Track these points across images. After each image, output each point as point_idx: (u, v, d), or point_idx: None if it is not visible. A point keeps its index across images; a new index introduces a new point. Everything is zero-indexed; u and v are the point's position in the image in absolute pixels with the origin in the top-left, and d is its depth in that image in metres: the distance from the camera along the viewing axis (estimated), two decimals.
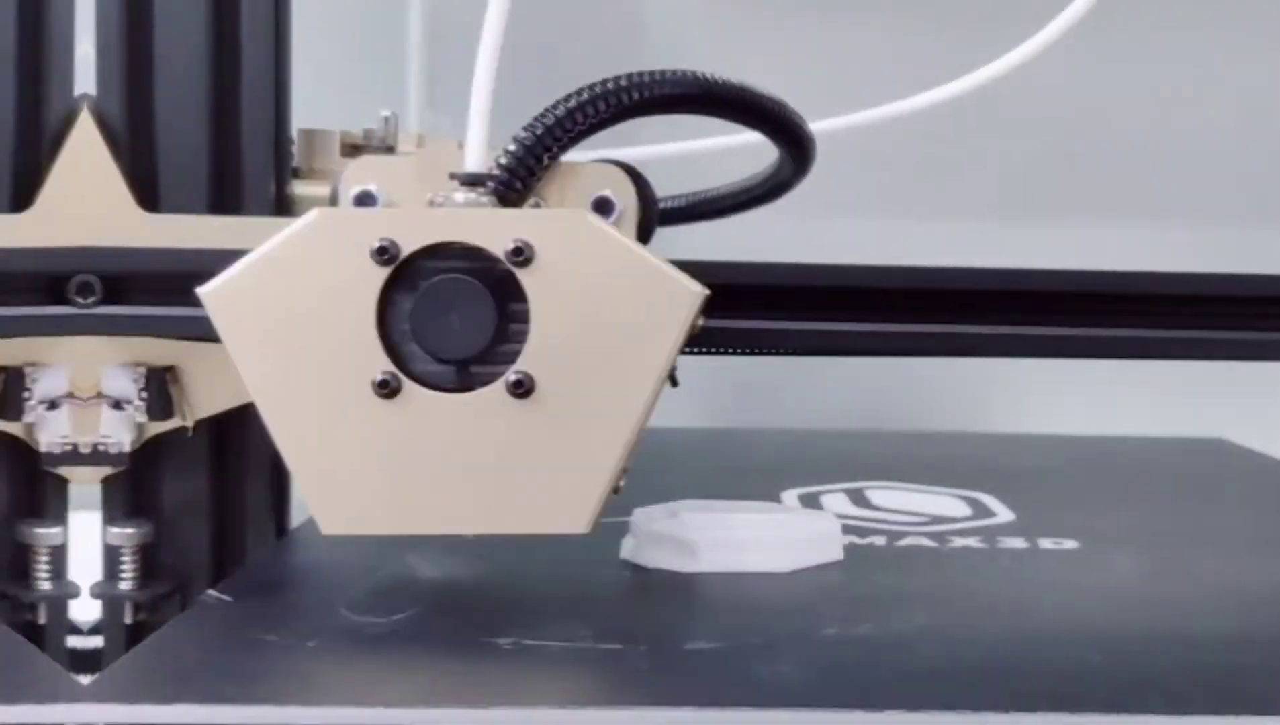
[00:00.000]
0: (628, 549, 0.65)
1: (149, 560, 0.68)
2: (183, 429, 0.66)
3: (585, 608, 0.58)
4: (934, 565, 0.66)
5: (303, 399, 0.51)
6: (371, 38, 1.20)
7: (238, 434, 0.70)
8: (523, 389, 0.51)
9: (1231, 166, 1.25)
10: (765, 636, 0.52)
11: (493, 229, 0.51)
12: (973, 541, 0.70)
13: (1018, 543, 0.70)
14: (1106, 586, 0.63)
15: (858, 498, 0.82)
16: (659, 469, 0.89)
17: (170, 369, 0.65)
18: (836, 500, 0.81)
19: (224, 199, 0.69)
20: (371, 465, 0.52)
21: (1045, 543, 0.70)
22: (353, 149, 0.74)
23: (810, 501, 0.80)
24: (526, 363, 0.51)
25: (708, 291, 0.52)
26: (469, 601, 0.59)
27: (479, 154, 0.54)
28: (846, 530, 0.69)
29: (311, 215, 0.52)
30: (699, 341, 0.54)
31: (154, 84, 0.68)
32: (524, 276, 0.51)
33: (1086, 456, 1.03)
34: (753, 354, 0.61)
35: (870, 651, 0.51)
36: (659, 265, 0.52)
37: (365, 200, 0.57)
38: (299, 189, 0.72)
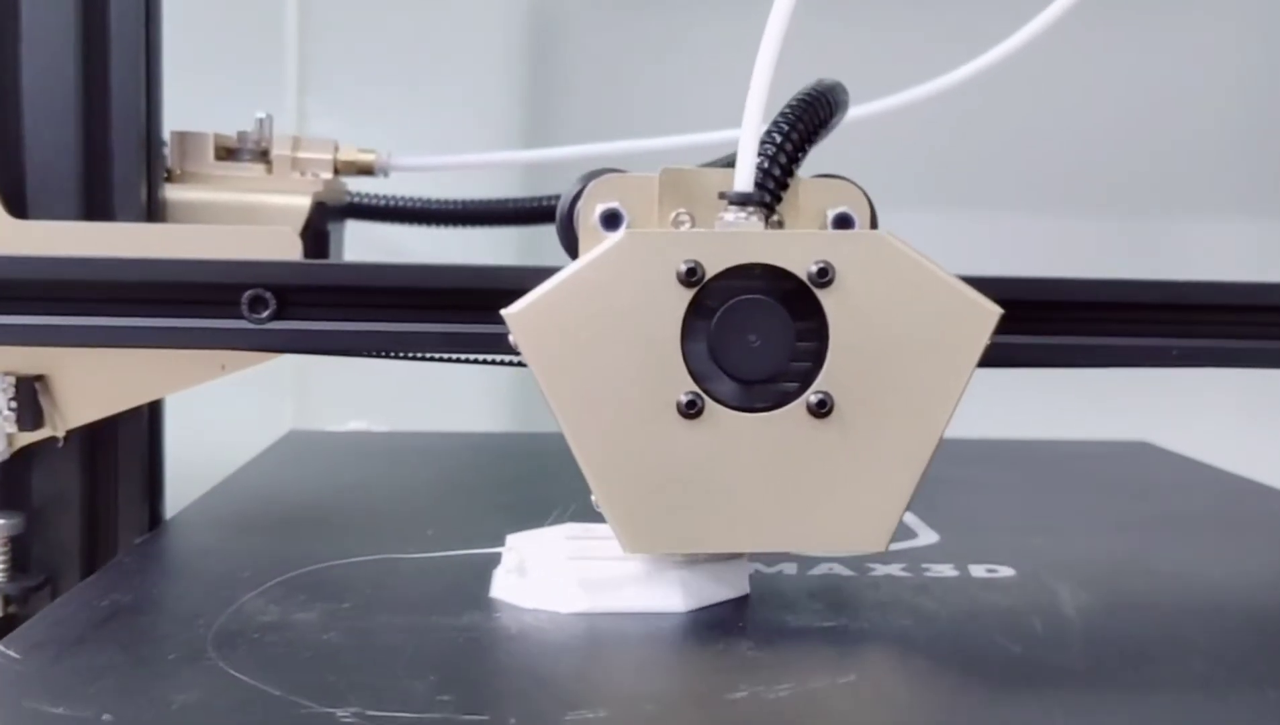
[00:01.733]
0: (499, 586, 0.57)
1: (18, 553, 0.69)
2: (53, 439, 0.66)
3: (446, 664, 0.48)
4: (854, 601, 0.58)
5: (606, 420, 0.52)
6: (246, 37, 1.17)
7: (110, 426, 0.70)
8: (824, 408, 0.52)
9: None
10: (660, 701, 0.45)
11: (796, 250, 0.52)
12: (896, 569, 0.63)
13: (947, 570, 0.63)
14: (1056, 627, 0.54)
15: None
16: (535, 480, 0.86)
17: (40, 378, 0.65)
18: None
19: (94, 204, 0.69)
20: (674, 485, 0.52)
21: (978, 570, 0.63)
22: (227, 152, 0.75)
23: None
24: (825, 382, 0.52)
25: (1003, 310, 0.52)
26: (307, 657, 0.49)
27: (749, 173, 0.53)
28: (751, 557, 0.61)
29: (618, 236, 0.52)
30: (989, 358, 0.53)
31: (20, 87, 0.68)
32: (823, 296, 0.51)
33: (1007, 462, 0.96)
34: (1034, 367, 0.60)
35: (790, 718, 0.44)
36: (958, 285, 0.52)
37: (613, 219, 0.56)
38: (172, 193, 0.73)
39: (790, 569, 0.62)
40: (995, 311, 0.52)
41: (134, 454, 0.72)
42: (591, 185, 0.56)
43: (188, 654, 0.49)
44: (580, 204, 0.56)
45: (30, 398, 0.64)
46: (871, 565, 0.64)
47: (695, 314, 0.52)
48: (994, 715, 0.45)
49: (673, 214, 0.56)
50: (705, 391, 0.52)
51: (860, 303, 0.52)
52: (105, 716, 0.42)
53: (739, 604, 0.57)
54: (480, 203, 0.86)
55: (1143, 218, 1.28)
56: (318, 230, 0.74)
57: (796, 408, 0.52)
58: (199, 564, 0.63)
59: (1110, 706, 0.46)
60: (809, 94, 0.58)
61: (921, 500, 0.75)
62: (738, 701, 0.45)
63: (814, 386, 0.52)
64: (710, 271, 0.51)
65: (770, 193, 0.55)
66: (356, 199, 0.83)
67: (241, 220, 0.71)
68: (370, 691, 0.45)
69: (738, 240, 0.52)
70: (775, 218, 0.56)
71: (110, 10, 0.68)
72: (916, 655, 0.51)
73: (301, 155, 0.76)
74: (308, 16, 1.18)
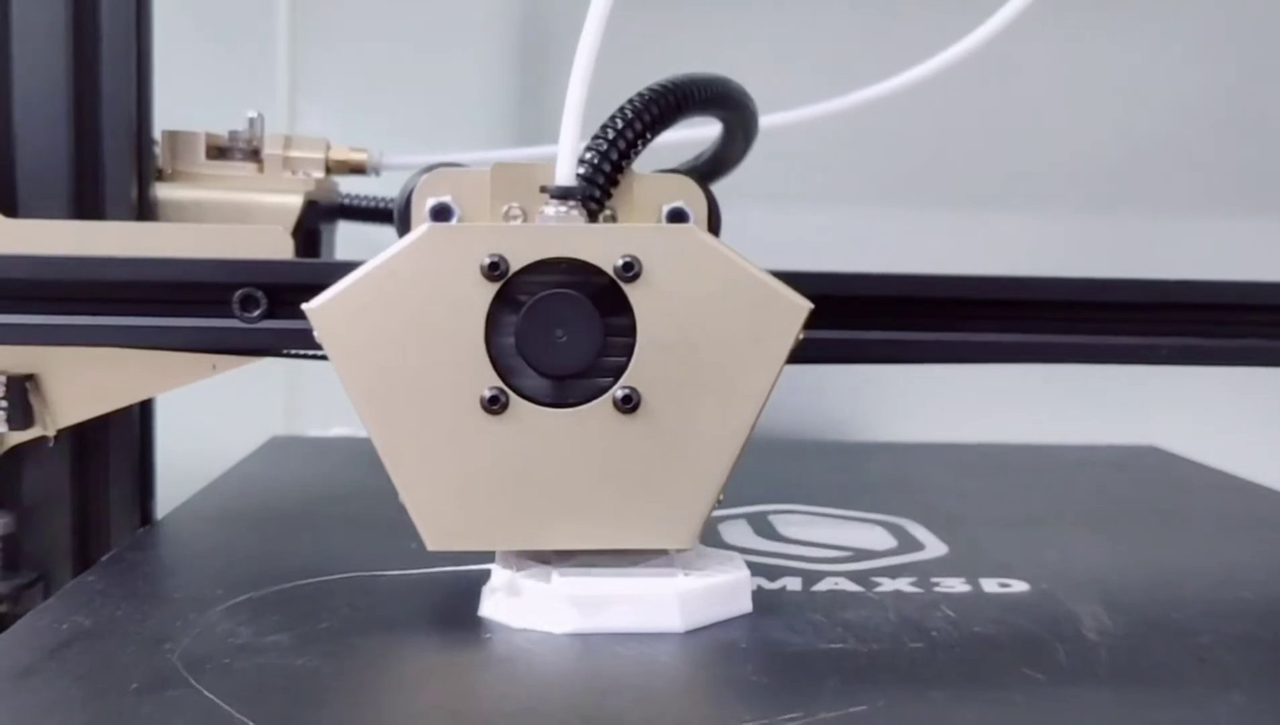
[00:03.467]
0: (488, 605, 0.54)
1: (10, 551, 0.69)
2: (44, 438, 0.65)
3: (431, 690, 0.46)
4: (864, 619, 0.54)
5: (409, 415, 0.51)
6: (237, 35, 1.16)
7: (101, 426, 0.70)
8: (630, 404, 0.51)
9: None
10: None
11: (603, 244, 0.51)
12: (904, 584, 0.60)
13: (958, 585, 0.60)
14: (1075, 650, 0.51)
15: (761, 525, 0.71)
16: None
17: (31, 377, 0.64)
18: (737, 529, 0.71)
19: (85, 203, 0.68)
20: (478, 480, 0.52)
21: (989, 584, 0.60)
22: (218, 151, 0.74)
23: (705, 531, 0.58)
24: (633, 377, 0.52)
25: (812, 305, 0.52)
26: (286, 679, 0.46)
27: (570, 167, 0.53)
28: (753, 570, 0.57)
29: (422, 230, 0.51)
30: (799, 354, 0.53)
31: (10, 85, 0.67)
32: (631, 291, 0.51)
33: (1011, 468, 0.94)
34: (852, 362, 0.60)
35: None
36: (768, 280, 0.52)
37: (442, 213, 0.56)
38: (163, 192, 0.72)
39: (794, 584, 0.60)
40: (805, 306, 0.52)
41: (125, 453, 0.72)
42: (424, 179, 0.57)
43: (156, 681, 0.46)
44: (414, 197, 0.57)
45: (21, 397, 0.64)
46: (879, 580, 0.61)
47: (503, 309, 0.51)
48: None
49: (504, 208, 0.56)
50: (511, 387, 0.52)
51: (668, 297, 0.51)
52: None
53: (740, 623, 0.55)
54: None
55: (1131, 217, 1.27)
56: (309, 229, 0.74)
57: (603, 403, 0.52)
58: (171, 579, 0.62)
59: None
60: (653, 88, 0.58)
61: (927, 507, 0.76)
62: None
63: (621, 382, 0.52)
64: (515, 265, 0.51)
65: (598, 187, 0.55)
66: (348, 199, 0.83)
67: (233, 219, 0.70)
68: (354, 714, 0.43)
69: (543, 234, 0.52)
70: (608, 213, 0.56)
71: (101, 8, 0.68)
72: (931, 680, 0.48)
73: (293, 154, 0.75)
74: (299, 15, 1.18)
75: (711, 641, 0.52)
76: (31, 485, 0.70)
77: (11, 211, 0.66)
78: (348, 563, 0.61)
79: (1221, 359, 0.61)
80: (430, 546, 0.52)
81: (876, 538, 0.70)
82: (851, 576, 0.62)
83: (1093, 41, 1.24)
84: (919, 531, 0.71)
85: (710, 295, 0.51)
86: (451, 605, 0.56)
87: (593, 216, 0.55)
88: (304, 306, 0.51)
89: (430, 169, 0.57)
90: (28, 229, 0.64)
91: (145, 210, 0.70)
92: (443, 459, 0.51)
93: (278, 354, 0.60)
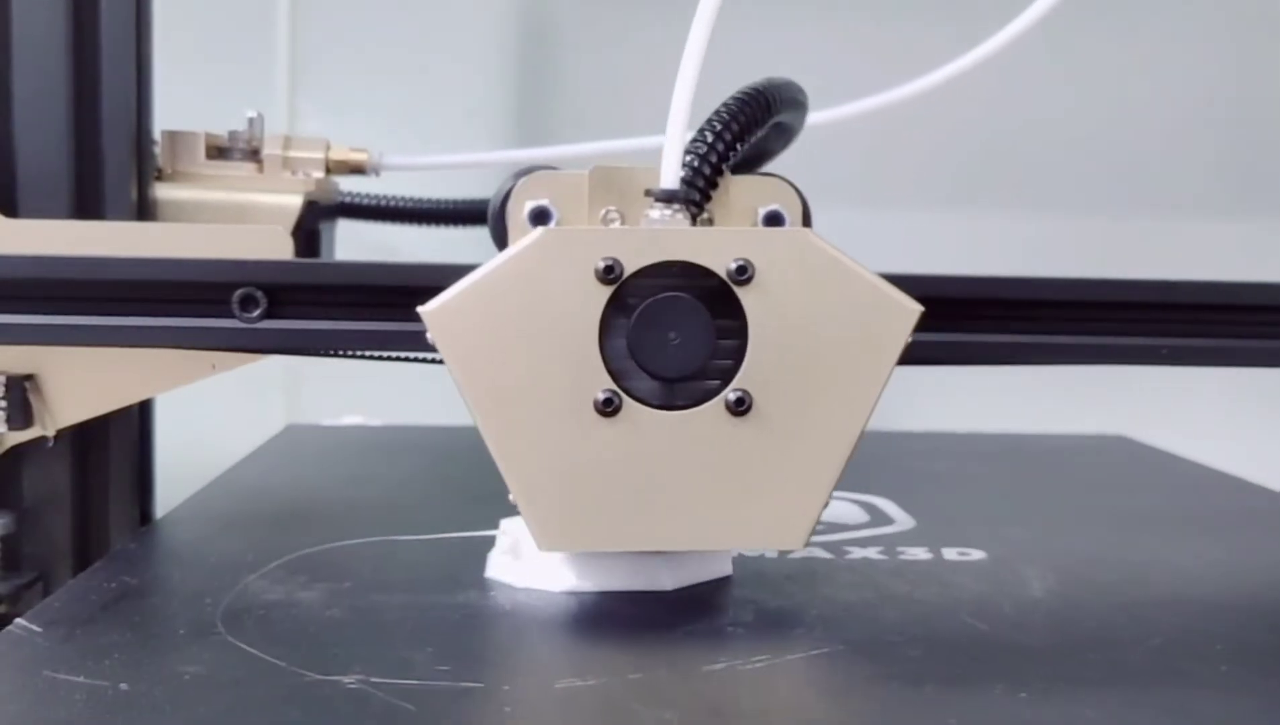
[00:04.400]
0: (494, 566, 0.59)
1: (10, 551, 0.70)
2: (43, 438, 0.66)
3: (443, 637, 0.50)
4: (832, 580, 0.59)
5: (523, 417, 0.51)
6: (237, 36, 1.17)
7: (100, 425, 0.70)
8: (743, 406, 0.52)
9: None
10: (645, 671, 0.46)
11: (716, 248, 0.51)
12: (872, 552, 0.65)
13: (920, 553, 0.65)
14: (1020, 605, 0.56)
15: None
16: None
17: (31, 377, 0.65)
18: None
19: (85, 203, 0.69)
20: (591, 482, 0.52)
21: (950, 553, 0.65)
22: (218, 151, 0.75)
23: None
24: (745, 380, 0.52)
25: (923, 308, 0.52)
26: (311, 630, 0.51)
27: (674, 170, 0.53)
28: None
29: (537, 234, 0.51)
30: (913, 356, 0.53)
31: (10, 86, 0.68)
32: (743, 294, 0.51)
33: (986, 455, 0.97)
34: (962, 365, 0.61)
35: (764, 688, 0.45)
36: (879, 283, 0.52)
37: (541, 216, 0.57)
38: (163, 192, 0.73)
39: (771, 552, 0.64)
40: (916, 309, 0.52)
41: (124, 453, 0.73)
42: (521, 182, 0.57)
43: (197, 630, 0.50)
44: (510, 201, 0.57)
45: (20, 397, 0.64)
46: (849, 549, 0.66)
47: (615, 311, 0.52)
48: (959, 684, 0.47)
49: (602, 211, 0.56)
50: (624, 389, 0.52)
51: (780, 300, 0.52)
52: (122, 685, 0.44)
53: (722, 584, 0.59)
54: (472, 202, 0.86)
55: (1130, 217, 1.28)
56: (309, 229, 0.74)
57: (715, 405, 0.52)
58: (205, 549, 0.64)
59: (1073, 683, 0.47)
60: (745, 92, 0.58)
61: (900, 490, 0.79)
62: (716, 672, 0.47)
63: (733, 384, 0.52)
64: (629, 269, 0.51)
65: (699, 190, 0.55)
66: (348, 198, 0.83)
67: (232, 219, 0.71)
68: (372, 662, 0.47)
69: (657, 237, 0.52)
70: (706, 216, 0.56)
71: (101, 9, 0.68)
72: (886, 629, 0.53)
73: (293, 154, 0.76)
74: (299, 15, 1.18)
75: (695, 598, 0.57)
76: (31, 485, 0.70)
77: (11, 211, 0.67)
78: (366, 534, 0.65)
79: (1221, 359, 0.61)
80: (541, 548, 0.53)
81: (850, 513, 0.75)
82: (825, 546, 0.66)
83: (1093, 42, 1.25)
84: (890, 508, 0.76)
85: (822, 298, 0.52)
86: (460, 567, 0.59)
87: (693, 220, 0.55)
88: (419, 309, 0.51)
89: (525, 172, 0.57)
90: (28, 229, 0.65)
91: (145, 210, 0.71)
92: (556, 461, 0.52)
93: (286, 350, 0.60)
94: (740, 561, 0.61)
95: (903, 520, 0.73)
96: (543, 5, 1.21)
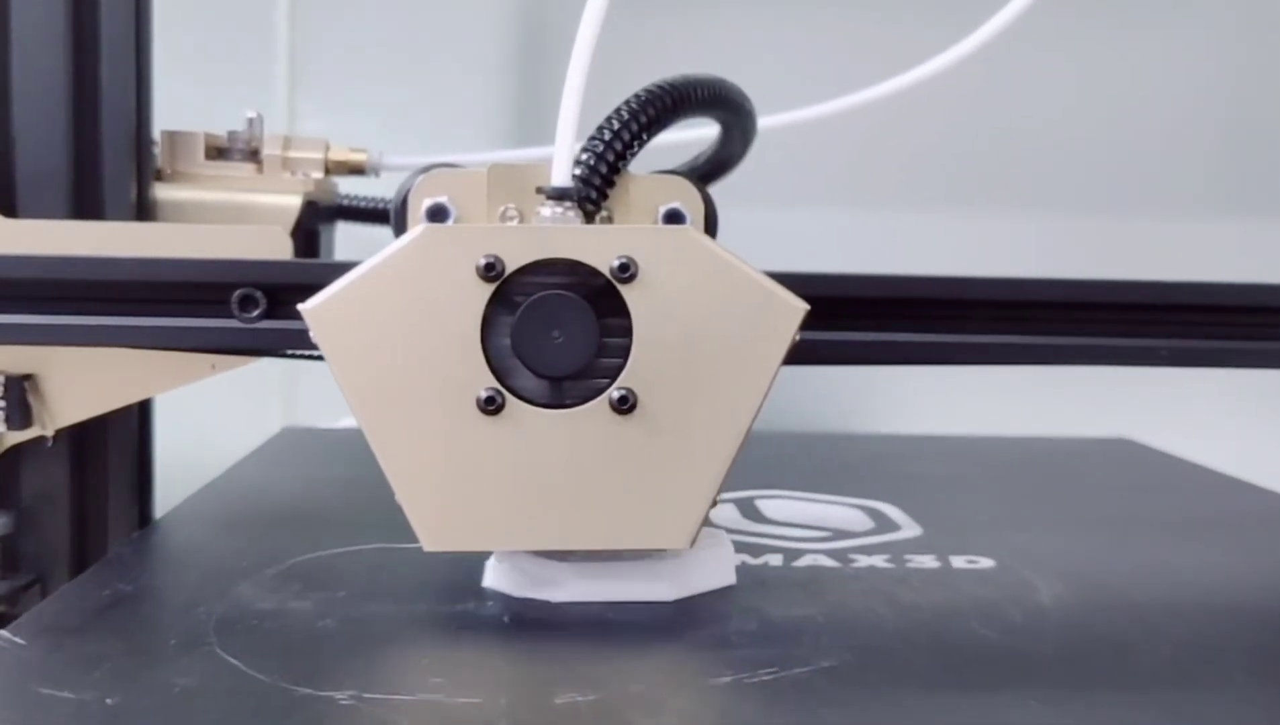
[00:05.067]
0: (491, 575, 0.58)
1: (8, 552, 0.70)
2: (42, 438, 0.66)
3: (439, 649, 0.50)
4: (838, 590, 0.58)
5: (405, 416, 0.51)
6: (236, 36, 1.17)
7: (99, 426, 0.70)
8: (627, 405, 0.51)
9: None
10: (647, 684, 0.46)
11: (599, 245, 0.51)
12: (879, 560, 0.64)
13: (928, 561, 0.64)
14: (1030, 614, 0.55)
15: (747, 509, 0.75)
16: None
17: (29, 377, 0.65)
18: (724, 511, 0.74)
19: (84, 203, 0.69)
20: (474, 482, 0.52)
21: (958, 561, 0.64)
22: (217, 151, 0.75)
23: None
24: (629, 378, 0.52)
25: (808, 306, 0.52)
26: (304, 641, 0.50)
27: (566, 168, 0.53)
28: (737, 548, 0.63)
29: (419, 230, 0.51)
30: (795, 355, 0.53)
31: (10, 86, 0.68)
32: (627, 292, 0.51)
33: (990, 459, 0.96)
34: (848, 364, 0.60)
35: (772, 704, 0.44)
36: (764, 281, 0.52)
37: (439, 213, 0.56)
38: (162, 192, 0.72)
39: (776, 560, 0.63)
40: (801, 307, 0.52)
41: (123, 453, 0.73)
42: (420, 180, 0.57)
43: (189, 641, 0.50)
44: (410, 198, 0.57)
45: (19, 397, 0.64)
46: (855, 557, 0.65)
47: (499, 309, 0.51)
48: (970, 697, 0.46)
49: (501, 209, 0.56)
50: (508, 388, 0.52)
51: (665, 298, 0.51)
52: (108, 700, 0.43)
53: (725, 593, 0.58)
54: None
55: (1130, 218, 1.28)
56: (308, 230, 0.74)
57: (599, 404, 0.52)
58: (199, 555, 0.63)
59: (1084, 693, 0.46)
60: (649, 89, 0.58)
61: (904, 495, 0.79)
62: (722, 686, 0.46)
63: (617, 383, 0.52)
64: (511, 266, 0.51)
65: (594, 188, 0.55)
66: (347, 199, 0.83)
67: (232, 220, 0.71)
68: (366, 675, 0.46)
69: (539, 235, 0.52)
70: (604, 214, 0.56)
71: (100, 9, 0.68)
72: (895, 640, 0.52)
73: (292, 155, 0.76)
74: (299, 15, 1.18)
75: (698, 609, 0.56)
76: (30, 485, 0.70)
77: (11, 212, 0.67)
78: (362, 540, 0.64)
79: (1220, 361, 0.61)
80: (427, 547, 0.52)
81: (855, 519, 0.74)
82: (830, 554, 0.65)
83: (1091, 43, 1.25)
84: (896, 514, 0.75)
85: (707, 296, 0.51)
86: (457, 576, 0.58)
87: (589, 218, 0.55)
88: (300, 307, 0.51)
89: (427, 170, 0.57)
90: (27, 229, 0.65)
91: (144, 211, 0.71)
92: (439, 460, 0.52)
93: (276, 354, 0.60)
94: (743, 570, 0.61)
95: (909, 527, 0.72)
96: (543, 5, 1.21)
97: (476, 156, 0.95)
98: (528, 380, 0.52)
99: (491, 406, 0.51)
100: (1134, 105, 1.27)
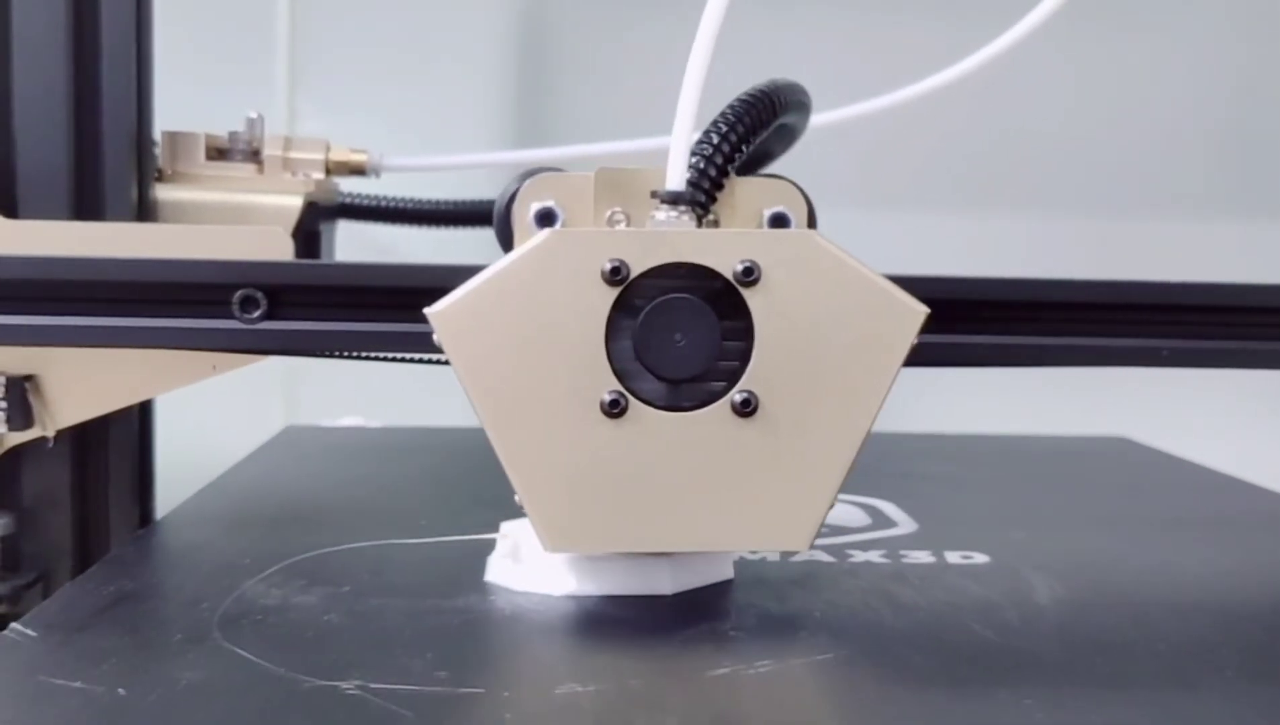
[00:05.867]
0: (494, 569, 0.59)
1: (10, 552, 0.70)
2: (43, 439, 0.66)
3: (443, 642, 0.50)
4: (834, 585, 0.59)
5: (529, 418, 0.51)
6: (237, 36, 1.17)
7: (100, 426, 0.70)
8: (749, 407, 0.51)
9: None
10: (647, 677, 0.46)
11: (722, 249, 0.51)
12: (874, 556, 0.64)
13: (923, 556, 0.64)
14: (1024, 609, 0.56)
15: None
16: None
17: (30, 378, 0.65)
18: None
19: (85, 204, 0.69)
20: (597, 484, 0.52)
21: (953, 557, 0.64)
22: (218, 152, 0.75)
23: None
24: (751, 381, 0.52)
25: (929, 310, 0.52)
26: (309, 635, 0.50)
27: (681, 172, 0.53)
28: None
29: (543, 236, 0.51)
30: (915, 358, 0.53)
31: (10, 86, 0.68)
32: (749, 295, 0.51)
33: (988, 458, 0.97)
34: (965, 367, 0.60)
35: (768, 694, 0.45)
36: (885, 285, 0.52)
37: (548, 217, 0.56)
38: (163, 192, 0.73)
39: (773, 555, 0.64)
40: (922, 311, 0.52)
41: (124, 454, 0.73)
42: (526, 184, 0.56)
43: (194, 635, 0.50)
44: (516, 203, 0.57)
45: (20, 397, 0.64)
46: (851, 552, 0.66)
47: (621, 313, 0.51)
48: (964, 690, 0.46)
49: (608, 213, 0.56)
50: (630, 390, 0.52)
51: (786, 302, 0.51)
52: (120, 691, 0.44)
53: (723, 588, 0.59)
54: (472, 203, 0.86)
55: (1131, 218, 1.28)
56: (309, 230, 0.74)
57: (721, 407, 0.52)
58: (203, 552, 0.63)
59: (1079, 688, 0.47)
60: (750, 94, 0.58)
61: (902, 492, 0.79)
62: (719, 677, 0.47)
63: (739, 386, 0.52)
64: (635, 270, 0.51)
65: (704, 192, 0.55)
66: (348, 199, 0.83)
67: (232, 220, 0.71)
68: (371, 668, 0.46)
69: (663, 239, 0.52)
70: (711, 217, 0.56)
71: (101, 10, 0.68)
72: (891, 635, 0.53)
73: (293, 155, 0.76)
74: (299, 16, 1.18)
75: (696, 602, 0.57)
76: (31, 486, 0.70)
77: (11, 212, 0.67)
78: (365, 537, 0.65)
79: (1221, 361, 0.61)
80: (547, 548, 0.53)
81: (853, 516, 0.74)
82: (827, 549, 0.66)
83: (1092, 44, 1.25)
84: (893, 511, 0.75)
85: (828, 300, 0.51)
86: (460, 571, 0.59)
87: (699, 221, 0.55)
88: (426, 311, 0.51)
89: (531, 174, 0.57)
90: (28, 230, 0.65)
91: (145, 211, 0.71)
92: (562, 462, 0.52)
93: (278, 354, 0.60)
94: (741, 565, 0.61)
95: (905, 523, 0.73)
96: (543, 5, 1.21)
97: (481, 157, 0.95)
98: (650, 383, 0.52)
99: (615, 409, 0.51)
100: (1134, 106, 1.27)
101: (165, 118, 0.74)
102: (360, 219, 0.85)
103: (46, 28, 0.67)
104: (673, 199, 0.53)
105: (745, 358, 0.52)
